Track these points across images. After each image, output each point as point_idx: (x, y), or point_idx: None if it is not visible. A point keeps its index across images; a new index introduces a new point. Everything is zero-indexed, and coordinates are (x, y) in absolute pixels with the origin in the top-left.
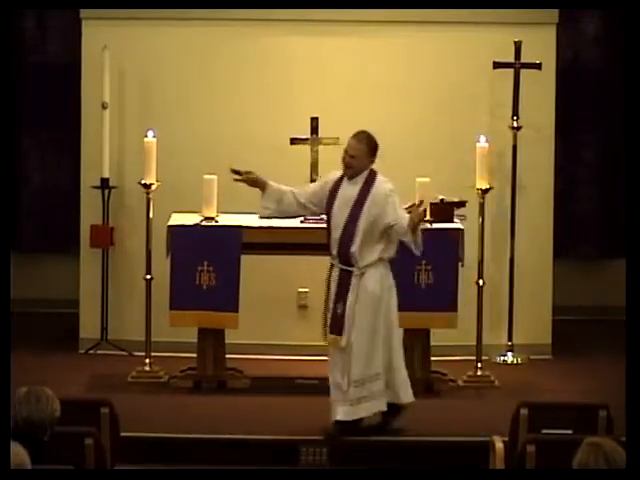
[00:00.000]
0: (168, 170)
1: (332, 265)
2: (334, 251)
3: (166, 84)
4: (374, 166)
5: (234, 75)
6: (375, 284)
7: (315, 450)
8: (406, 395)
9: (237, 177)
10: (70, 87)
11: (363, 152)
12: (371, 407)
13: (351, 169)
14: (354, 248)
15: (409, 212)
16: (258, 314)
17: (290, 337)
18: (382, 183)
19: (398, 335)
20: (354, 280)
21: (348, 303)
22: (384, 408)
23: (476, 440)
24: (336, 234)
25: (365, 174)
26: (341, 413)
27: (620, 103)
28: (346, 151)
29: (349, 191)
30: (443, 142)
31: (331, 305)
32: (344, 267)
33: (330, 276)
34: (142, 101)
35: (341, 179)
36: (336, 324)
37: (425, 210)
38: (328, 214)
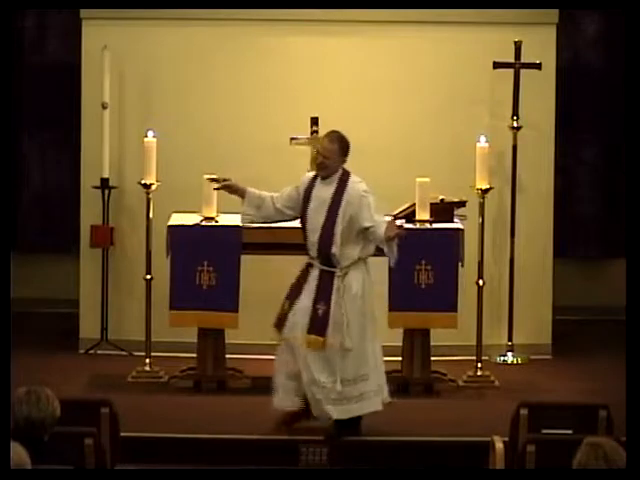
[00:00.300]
0: (168, 170)
1: (310, 264)
2: (313, 253)
3: (166, 84)
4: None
5: (234, 75)
6: (358, 284)
7: (315, 450)
8: (383, 396)
9: (215, 185)
10: (70, 87)
11: (335, 152)
12: (362, 407)
13: (324, 170)
14: (334, 249)
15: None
16: (258, 314)
17: None
18: (356, 184)
19: (378, 335)
20: (337, 281)
21: (333, 304)
22: (380, 407)
23: (476, 440)
24: (314, 236)
25: (338, 174)
26: (336, 412)
27: (620, 103)
28: (318, 152)
29: (323, 192)
30: (443, 142)
31: (306, 304)
32: (325, 268)
33: (307, 275)
34: (142, 101)
35: (314, 180)
36: (317, 325)
37: (402, 226)
38: (303, 216)
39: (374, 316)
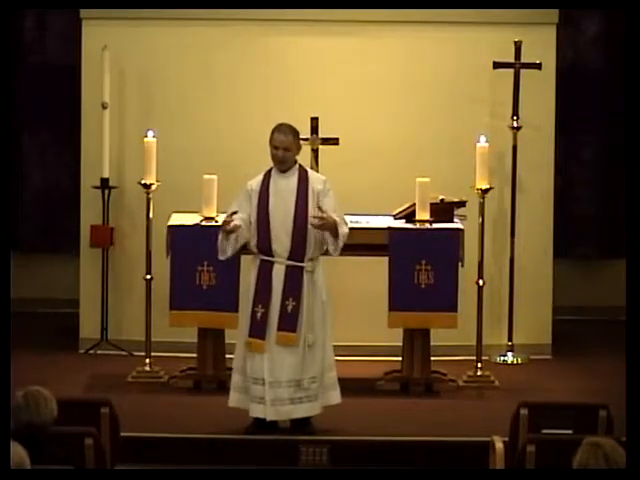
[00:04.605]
0: (168, 170)
1: (268, 262)
2: (280, 248)
3: (166, 84)
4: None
5: (234, 75)
6: (322, 279)
7: (315, 450)
8: (335, 396)
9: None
10: (70, 87)
11: (292, 142)
12: (314, 407)
13: (286, 163)
14: (309, 242)
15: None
16: None
17: None
18: (315, 174)
19: (330, 332)
20: (307, 276)
21: (304, 300)
22: (338, 401)
23: (476, 440)
24: (281, 230)
25: (296, 167)
26: (306, 410)
27: (620, 103)
28: (277, 147)
29: (285, 184)
30: (443, 142)
31: (272, 302)
32: (292, 263)
33: (270, 273)
34: (142, 101)
35: (267, 178)
36: (287, 322)
37: (330, 222)
38: (261, 215)
39: (330, 313)
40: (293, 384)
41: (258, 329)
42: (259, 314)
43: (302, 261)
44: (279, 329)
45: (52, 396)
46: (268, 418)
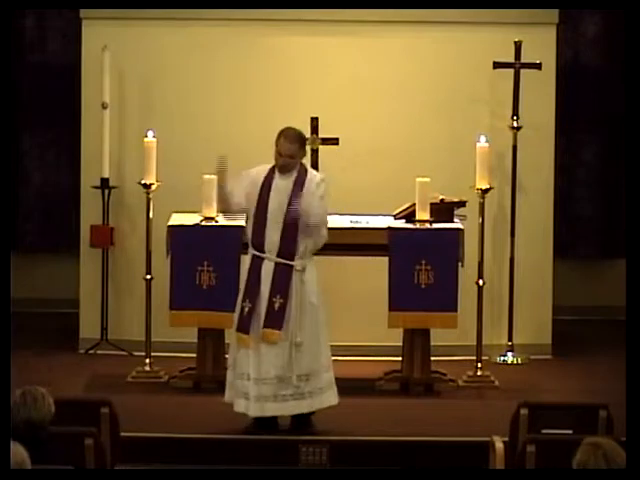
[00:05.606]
0: (168, 170)
1: (258, 257)
2: (270, 244)
3: (166, 84)
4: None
5: (234, 75)
6: (313, 278)
7: (315, 450)
8: (331, 397)
9: (221, 167)
10: (70, 87)
11: (297, 150)
12: (314, 403)
13: (287, 168)
14: (299, 240)
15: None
16: None
17: None
18: (314, 173)
19: (325, 332)
20: (296, 274)
21: (292, 298)
22: (334, 402)
23: (476, 440)
24: (274, 227)
25: (297, 167)
26: (293, 408)
27: (620, 103)
28: (280, 153)
29: (283, 182)
30: (443, 142)
31: (260, 299)
32: (282, 261)
33: (260, 270)
34: (142, 101)
35: (271, 173)
36: (273, 319)
37: None
38: (260, 208)
39: (324, 313)
40: (276, 381)
41: (244, 323)
42: (246, 309)
43: (291, 259)
44: (265, 326)
45: (49, 394)
46: (251, 414)
